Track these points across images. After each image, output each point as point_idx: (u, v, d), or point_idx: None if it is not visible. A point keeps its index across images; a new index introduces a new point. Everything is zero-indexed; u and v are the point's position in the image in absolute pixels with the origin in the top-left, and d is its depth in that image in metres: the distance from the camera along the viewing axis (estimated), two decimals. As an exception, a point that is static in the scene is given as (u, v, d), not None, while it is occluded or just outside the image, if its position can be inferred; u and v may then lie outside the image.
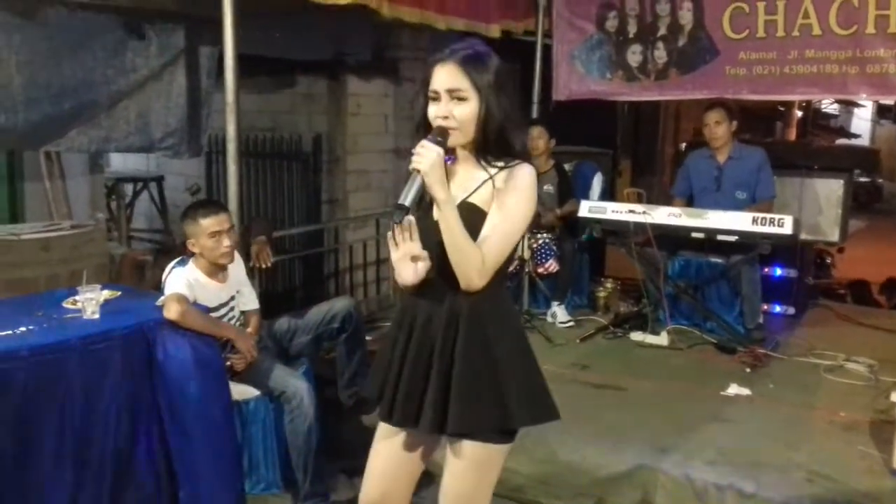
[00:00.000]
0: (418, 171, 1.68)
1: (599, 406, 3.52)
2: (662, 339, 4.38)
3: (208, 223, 2.93)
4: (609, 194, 6.26)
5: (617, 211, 4.42)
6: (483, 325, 1.81)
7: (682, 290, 4.57)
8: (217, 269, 3.05)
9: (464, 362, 1.79)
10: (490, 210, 1.79)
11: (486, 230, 1.77)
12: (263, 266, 3.50)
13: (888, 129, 19.79)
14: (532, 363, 1.89)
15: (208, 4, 3.38)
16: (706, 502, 2.83)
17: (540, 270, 4.87)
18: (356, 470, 3.04)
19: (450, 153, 1.79)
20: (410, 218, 1.72)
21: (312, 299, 4.66)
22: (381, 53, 5.95)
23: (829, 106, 17.84)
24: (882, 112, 19.08)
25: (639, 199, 7.26)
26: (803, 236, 4.69)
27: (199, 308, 2.82)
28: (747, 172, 4.48)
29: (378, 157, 6.05)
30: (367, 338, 3.72)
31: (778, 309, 5.07)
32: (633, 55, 4.96)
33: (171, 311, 2.65)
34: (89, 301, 2.66)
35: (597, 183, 5.26)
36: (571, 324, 4.79)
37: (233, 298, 3.14)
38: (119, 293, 2.97)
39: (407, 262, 1.75)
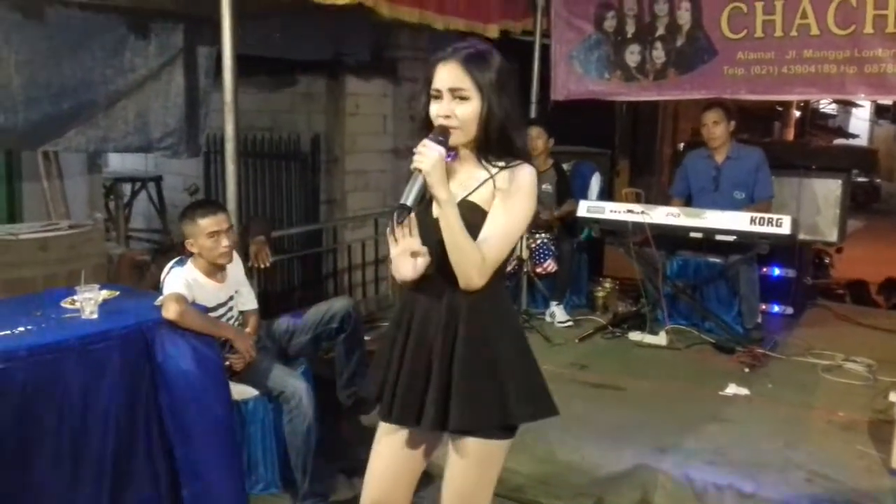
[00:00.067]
0: (420, 171, 1.69)
1: (598, 406, 3.52)
2: (661, 338, 4.38)
3: (207, 223, 2.93)
4: (607, 194, 6.27)
5: (615, 211, 4.42)
6: (483, 325, 1.82)
7: (680, 290, 4.57)
8: (215, 269, 3.05)
9: (464, 361, 1.80)
10: (490, 209, 1.79)
11: (486, 230, 1.77)
12: (262, 266, 3.50)
13: (886, 129, 19.83)
14: (531, 362, 1.90)
15: (207, 4, 3.38)
16: (706, 502, 2.83)
17: (538, 270, 4.87)
18: (355, 470, 3.05)
19: (451, 150, 1.79)
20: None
21: (311, 299, 4.65)
22: (379, 53, 5.95)
23: (827, 106, 17.86)
24: (880, 112, 19.12)
25: (637, 199, 7.26)
26: (801, 236, 4.69)
27: (198, 308, 2.82)
28: (745, 172, 4.48)
29: (376, 157, 6.05)
30: (366, 337, 3.72)
31: (776, 309, 5.07)
32: (632, 55, 4.96)
33: (170, 311, 2.65)
34: (88, 301, 2.65)
35: (595, 183, 5.27)
36: (570, 323, 4.79)
37: (231, 298, 3.14)
38: (117, 293, 2.96)
39: (406, 257, 1.75)
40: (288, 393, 3.01)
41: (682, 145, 7.60)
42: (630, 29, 4.95)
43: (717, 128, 4.46)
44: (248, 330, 3.19)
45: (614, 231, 4.49)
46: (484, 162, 1.83)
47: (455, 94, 1.76)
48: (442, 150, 1.71)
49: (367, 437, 2.03)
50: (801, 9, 4.32)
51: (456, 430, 1.81)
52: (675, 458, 3.00)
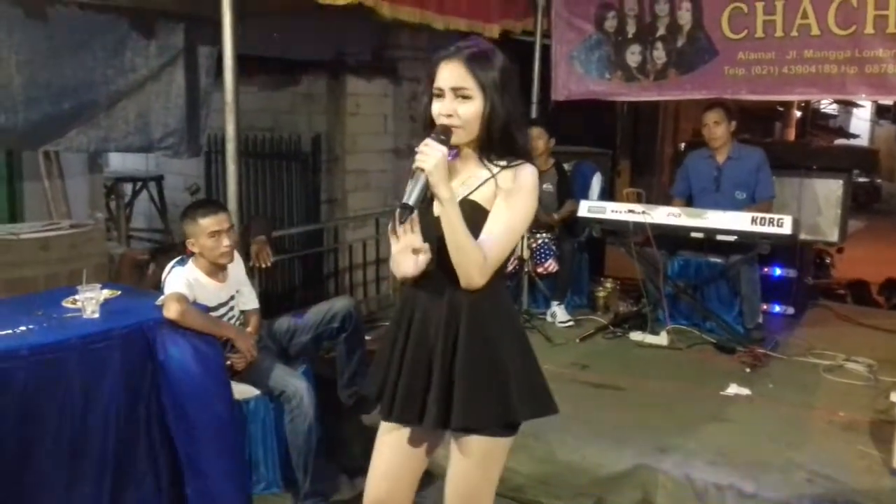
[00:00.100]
0: (422, 170, 1.69)
1: (599, 406, 3.52)
2: (662, 338, 4.38)
3: (208, 223, 2.93)
4: (608, 194, 6.26)
5: (616, 211, 4.42)
6: (484, 324, 1.82)
7: (681, 290, 4.57)
8: (217, 269, 3.05)
9: (466, 360, 1.80)
10: (492, 208, 1.80)
11: (487, 229, 1.78)
12: (263, 266, 3.50)
13: (887, 130, 19.80)
14: (532, 361, 1.91)
15: (208, 4, 3.38)
16: (706, 502, 2.83)
17: (539, 270, 4.88)
18: (356, 469, 3.06)
19: (452, 149, 1.79)
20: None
21: (312, 299, 4.66)
22: (380, 53, 5.95)
23: (827, 106, 17.83)
24: (881, 112, 19.08)
25: (638, 199, 7.25)
26: (802, 236, 4.69)
27: (199, 307, 2.82)
28: (746, 172, 4.48)
29: (377, 156, 6.06)
30: (367, 337, 3.72)
31: (777, 309, 5.07)
32: (632, 55, 4.96)
33: (171, 311, 2.65)
34: (89, 300, 2.65)
35: (596, 183, 5.27)
36: (571, 323, 4.79)
37: (232, 298, 3.14)
38: (119, 292, 2.96)
39: (408, 254, 1.75)
40: (289, 392, 3.01)
41: (682, 145, 7.59)
42: (631, 29, 4.95)
43: (718, 128, 4.47)
44: (249, 329, 3.20)
45: (615, 231, 4.49)
46: (486, 161, 1.83)
47: (457, 93, 1.76)
48: (444, 149, 1.71)
49: (369, 436, 2.03)
50: (802, 9, 4.32)
51: (458, 428, 1.82)
52: (676, 459, 2.99)
